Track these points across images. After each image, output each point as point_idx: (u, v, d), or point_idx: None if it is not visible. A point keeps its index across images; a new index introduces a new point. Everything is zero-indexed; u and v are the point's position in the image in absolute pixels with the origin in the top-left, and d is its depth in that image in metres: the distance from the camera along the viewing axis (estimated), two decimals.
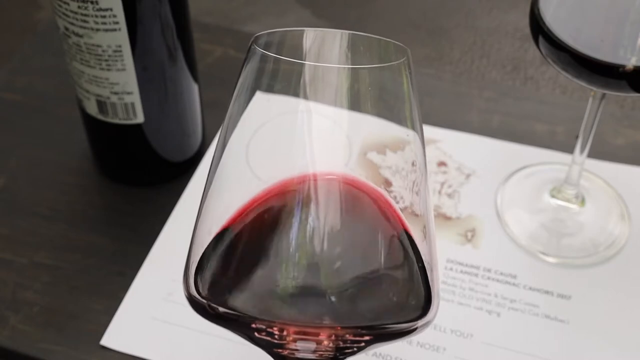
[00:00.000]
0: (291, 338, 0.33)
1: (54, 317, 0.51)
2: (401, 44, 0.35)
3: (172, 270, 0.51)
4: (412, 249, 0.35)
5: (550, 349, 0.49)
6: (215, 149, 0.36)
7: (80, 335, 0.50)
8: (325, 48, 0.35)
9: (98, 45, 0.50)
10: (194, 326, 0.50)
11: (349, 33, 0.35)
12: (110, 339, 0.50)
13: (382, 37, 0.35)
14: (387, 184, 0.36)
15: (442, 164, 0.60)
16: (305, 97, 0.34)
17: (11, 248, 0.55)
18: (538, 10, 0.47)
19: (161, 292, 0.52)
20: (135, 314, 0.51)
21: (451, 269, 0.53)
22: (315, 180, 0.34)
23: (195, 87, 0.57)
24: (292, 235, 0.33)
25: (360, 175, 0.36)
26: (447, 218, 0.57)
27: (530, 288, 0.52)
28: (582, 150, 0.54)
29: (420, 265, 0.35)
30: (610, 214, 0.57)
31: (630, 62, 0.44)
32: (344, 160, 0.36)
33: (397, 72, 0.34)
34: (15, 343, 0.50)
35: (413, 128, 0.35)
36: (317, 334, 0.33)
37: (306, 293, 0.33)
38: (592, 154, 0.59)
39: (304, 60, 0.35)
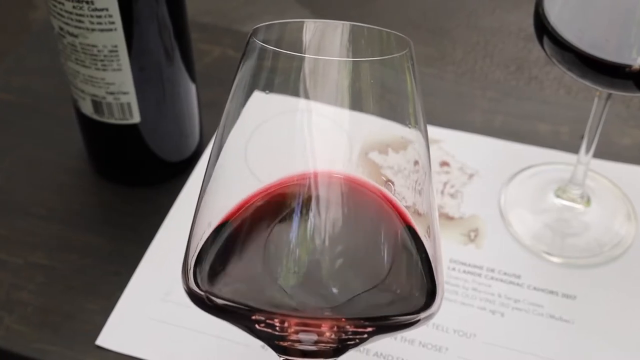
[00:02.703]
0: (292, 330, 0.32)
1: (49, 317, 0.51)
2: (403, 36, 0.34)
3: (169, 270, 0.51)
4: (416, 242, 0.34)
5: (554, 349, 0.49)
6: (213, 145, 0.35)
7: (76, 336, 0.50)
8: (326, 40, 0.35)
9: (93, 46, 0.49)
10: (191, 326, 0.49)
11: (350, 24, 0.35)
12: (106, 339, 0.49)
13: (383, 29, 0.34)
14: (389, 184, 0.35)
15: (444, 164, 0.59)
16: (306, 91, 0.33)
17: (7, 248, 0.55)
18: (542, 10, 0.46)
19: (158, 291, 0.51)
20: (131, 314, 0.50)
21: (454, 269, 0.53)
22: (316, 175, 0.33)
23: (192, 87, 0.56)
24: (293, 227, 0.33)
25: (362, 175, 0.35)
26: (450, 218, 0.56)
27: (534, 288, 0.52)
28: (587, 150, 0.53)
29: (424, 258, 0.34)
30: (616, 214, 0.56)
31: (637, 62, 0.44)
32: (344, 160, 0.35)
33: (399, 64, 0.34)
34: (10, 343, 0.49)
35: (416, 123, 0.34)
36: (319, 326, 0.32)
37: (308, 284, 0.33)
38: (598, 154, 0.59)
39: (304, 54, 0.34)
